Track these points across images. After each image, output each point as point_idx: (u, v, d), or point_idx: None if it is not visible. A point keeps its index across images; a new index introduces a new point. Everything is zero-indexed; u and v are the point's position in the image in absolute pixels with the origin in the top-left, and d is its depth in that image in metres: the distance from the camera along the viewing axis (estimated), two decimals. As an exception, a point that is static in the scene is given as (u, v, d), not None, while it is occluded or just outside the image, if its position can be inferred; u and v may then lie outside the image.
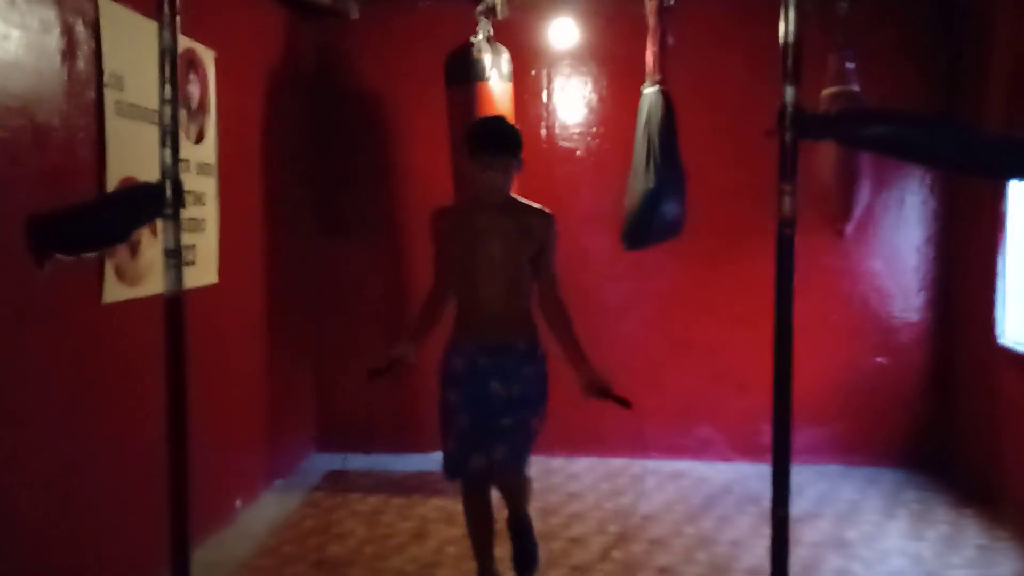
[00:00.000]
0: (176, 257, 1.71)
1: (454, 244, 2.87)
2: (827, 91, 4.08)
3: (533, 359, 2.91)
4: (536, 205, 2.90)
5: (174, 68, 1.74)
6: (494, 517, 3.07)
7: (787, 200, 1.70)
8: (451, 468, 2.95)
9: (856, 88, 4.07)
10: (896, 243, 4.87)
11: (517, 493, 3.01)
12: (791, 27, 1.64)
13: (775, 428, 1.73)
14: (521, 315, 2.90)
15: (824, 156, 4.11)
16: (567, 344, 2.85)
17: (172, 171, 1.71)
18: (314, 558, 3.55)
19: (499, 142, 2.78)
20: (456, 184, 4.18)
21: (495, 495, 3.04)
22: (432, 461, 4.87)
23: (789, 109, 1.67)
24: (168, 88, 1.72)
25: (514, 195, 2.91)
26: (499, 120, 2.95)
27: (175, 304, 1.72)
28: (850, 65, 4.10)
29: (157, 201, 1.69)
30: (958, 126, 1.77)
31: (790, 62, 1.69)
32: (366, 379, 2.72)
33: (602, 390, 2.75)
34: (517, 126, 2.90)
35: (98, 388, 2.87)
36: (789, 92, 1.68)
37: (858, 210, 4.24)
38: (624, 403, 2.73)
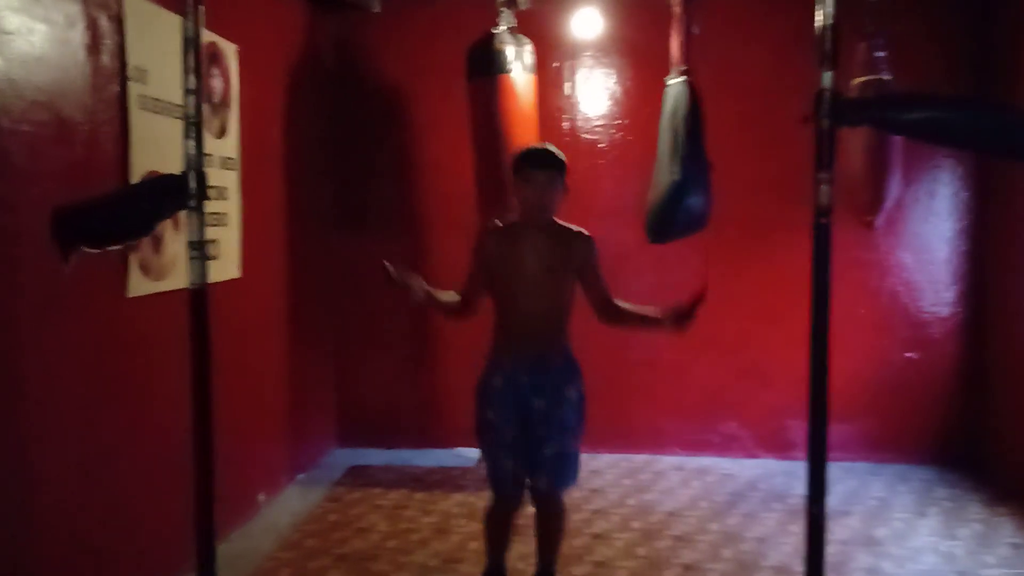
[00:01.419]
0: (200, 249, 1.69)
1: (496, 262, 2.89)
2: (857, 80, 4.01)
3: (572, 377, 2.93)
4: (576, 228, 2.93)
5: (198, 58, 1.72)
6: (514, 527, 3.06)
7: (824, 189, 1.65)
8: (497, 481, 2.94)
9: (887, 76, 3.99)
10: (927, 235, 4.78)
11: (554, 523, 3.01)
12: (829, 10, 1.59)
13: (811, 423, 1.68)
14: (559, 334, 2.92)
15: (854, 147, 4.04)
16: (642, 323, 2.92)
17: (196, 162, 1.69)
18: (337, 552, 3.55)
19: (543, 158, 2.84)
20: (477, 178, 4.15)
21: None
22: (454, 456, 4.87)
23: (826, 94, 1.62)
24: (192, 78, 1.70)
25: (556, 219, 2.92)
26: (544, 145, 2.99)
27: (199, 296, 1.70)
28: (880, 53, 4.01)
29: (181, 193, 1.68)
30: (999, 109, 1.70)
31: (827, 46, 1.64)
32: (382, 271, 2.79)
33: (683, 315, 2.83)
34: (558, 150, 2.92)
35: (123, 381, 2.87)
36: (826, 77, 1.63)
37: (888, 202, 4.16)
38: (702, 298, 2.81)
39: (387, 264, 2.79)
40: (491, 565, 3.09)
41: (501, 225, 2.96)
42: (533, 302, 2.86)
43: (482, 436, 2.94)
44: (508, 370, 2.88)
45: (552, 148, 2.90)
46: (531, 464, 2.88)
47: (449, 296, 2.96)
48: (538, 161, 2.83)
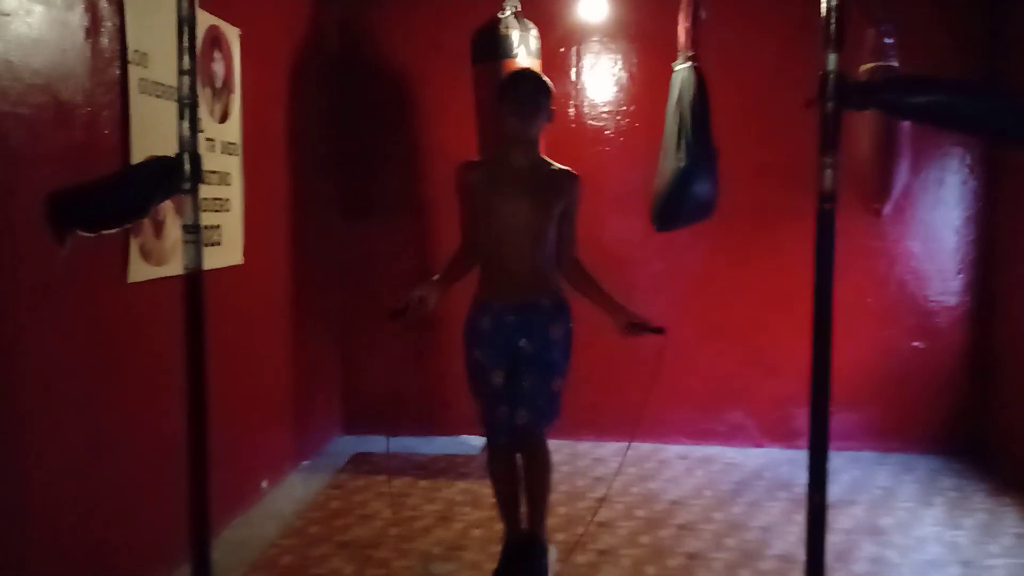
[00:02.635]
0: (195, 232, 1.67)
1: (480, 198, 2.85)
2: (865, 67, 3.95)
3: (559, 317, 2.90)
4: (562, 166, 2.89)
5: (193, 38, 1.70)
6: (519, 479, 3.04)
7: (828, 174, 1.62)
8: (491, 428, 2.93)
9: (895, 63, 3.93)
10: (935, 224, 4.74)
11: (537, 462, 2.96)
12: (834, -10, 1.56)
13: (812, 412, 1.66)
14: (547, 273, 2.89)
15: (861, 133, 3.99)
16: (594, 296, 2.87)
17: (191, 144, 1.67)
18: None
19: (527, 84, 2.81)
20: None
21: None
22: (458, 444, 4.86)
23: (831, 77, 1.59)
24: (187, 59, 1.67)
25: (543, 155, 2.88)
26: (530, 69, 2.95)
27: (195, 280, 1.68)
28: (889, 40, 3.96)
29: (176, 175, 1.65)
30: (1008, 94, 1.67)
31: (832, 28, 1.60)
32: (388, 319, 2.66)
33: (637, 326, 2.75)
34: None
35: (123, 368, 2.86)
36: (831, 59, 1.60)
37: (896, 190, 4.11)
38: (659, 331, 2.73)
39: (393, 311, 2.66)
40: (510, 536, 3.07)
41: (481, 159, 2.93)
42: (518, 239, 2.81)
43: (472, 379, 2.92)
44: (495, 310, 2.85)
45: (535, 72, 2.89)
46: (514, 402, 2.84)
47: (452, 264, 2.90)
48: (521, 77, 2.82)
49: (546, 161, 2.90)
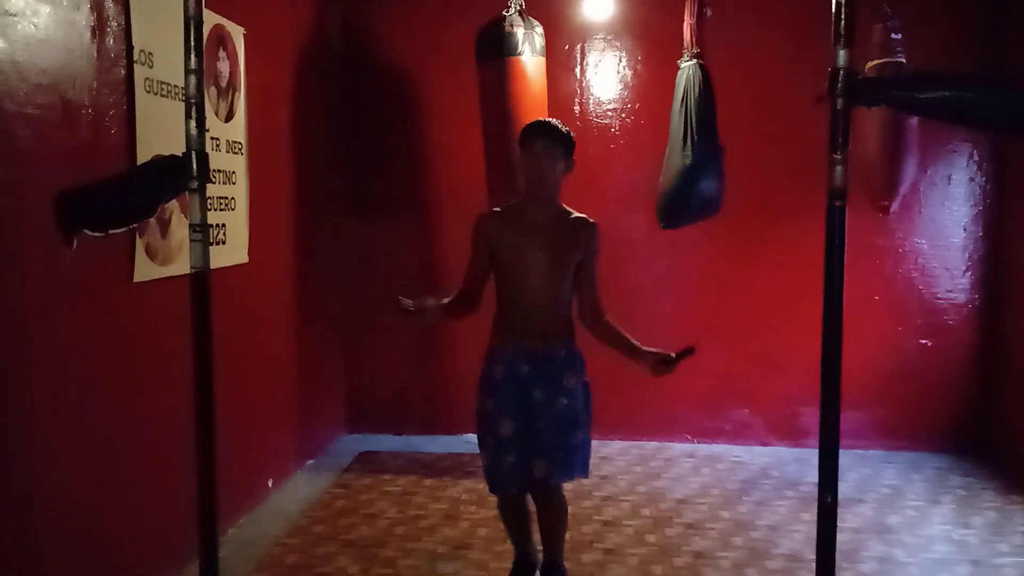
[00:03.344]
0: (202, 231, 1.67)
1: (497, 249, 2.80)
2: (872, 63, 3.94)
3: (574, 367, 2.84)
4: (580, 215, 2.84)
5: (199, 37, 1.70)
6: (529, 512, 3.02)
7: (838, 170, 1.60)
8: (495, 479, 2.86)
9: (903, 59, 3.92)
10: (943, 221, 4.72)
11: (552, 515, 2.92)
12: (844, -14, 1.55)
13: (823, 411, 1.64)
14: (562, 322, 2.83)
15: (869, 131, 3.98)
16: (621, 346, 2.79)
17: (197, 143, 1.67)
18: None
19: (546, 131, 2.76)
20: (487, 163, 4.11)
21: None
22: (463, 443, 4.85)
23: (841, 73, 1.57)
24: (193, 58, 1.67)
25: (562, 204, 2.84)
26: (548, 122, 2.88)
27: (201, 280, 1.68)
28: (896, 35, 3.94)
29: (182, 174, 1.65)
30: (1016, 88, 1.65)
31: (842, 24, 1.59)
32: (392, 303, 2.61)
33: (668, 362, 2.67)
34: (564, 125, 2.84)
35: (129, 367, 2.86)
36: (841, 55, 1.58)
37: (904, 187, 4.10)
38: (690, 352, 2.65)
39: (400, 299, 2.61)
40: (518, 555, 3.07)
41: (501, 208, 2.89)
42: (535, 287, 2.77)
43: (480, 428, 2.86)
44: (508, 359, 2.80)
45: (556, 121, 2.82)
46: (530, 453, 2.77)
47: (451, 306, 2.81)
48: (538, 131, 2.76)
49: (565, 210, 2.84)
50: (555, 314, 2.81)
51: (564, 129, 2.79)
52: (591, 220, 2.85)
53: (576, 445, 2.81)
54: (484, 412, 2.85)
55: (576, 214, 2.85)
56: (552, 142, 2.74)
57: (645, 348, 2.73)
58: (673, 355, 2.66)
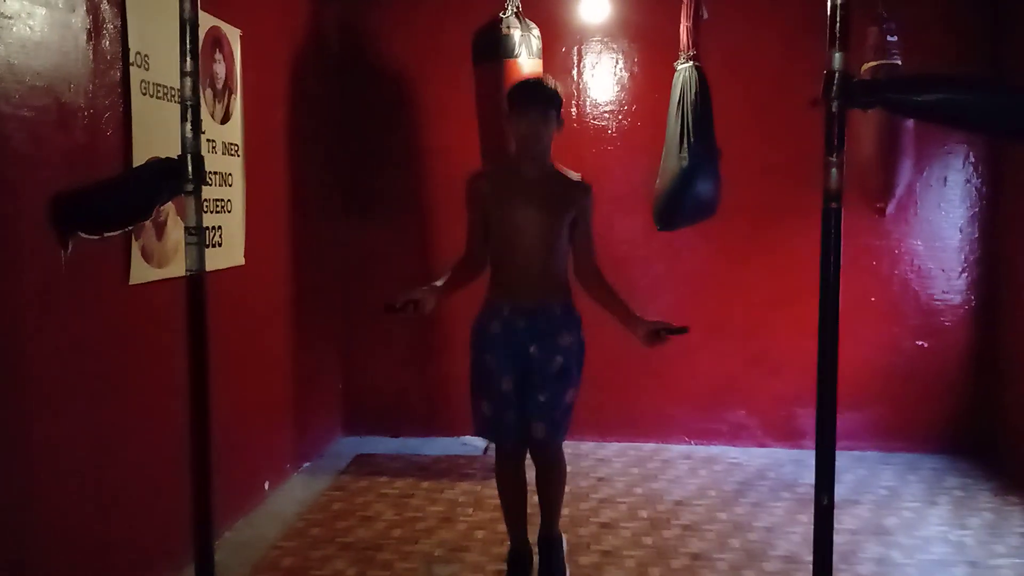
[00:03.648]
0: (198, 234, 1.66)
1: (491, 207, 2.83)
2: (868, 65, 3.95)
3: (570, 325, 2.87)
4: (574, 174, 2.87)
5: (195, 39, 1.69)
6: (527, 487, 3.05)
7: (833, 173, 1.60)
8: (490, 429, 2.91)
9: (898, 61, 3.93)
10: (939, 222, 4.73)
11: (552, 475, 2.97)
12: (839, -12, 1.55)
13: (819, 413, 1.65)
14: (557, 279, 2.87)
15: (865, 132, 3.99)
16: (613, 307, 2.84)
17: (193, 145, 1.66)
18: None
19: (536, 93, 2.77)
20: (484, 164, 4.11)
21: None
22: (460, 445, 4.85)
23: (837, 75, 1.57)
24: (188, 60, 1.67)
25: (554, 163, 2.86)
26: (536, 76, 2.94)
27: (197, 282, 1.67)
28: (892, 38, 3.95)
29: (178, 176, 1.65)
30: (1012, 91, 1.65)
31: (837, 26, 1.59)
32: (382, 309, 2.62)
33: (659, 332, 2.70)
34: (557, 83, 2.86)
35: (125, 370, 2.86)
36: (836, 58, 1.58)
37: (900, 188, 4.11)
38: (682, 330, 2.67)
39: (387, 304, 2.61)
40: (514, 544, 3.08)
41: (492, 167, 2.91)
42: (529, 246, 2.80)
43: (478, 382, 2.89)
44: (505, 315, 2.83)
45: (546, 81, 2.83)
46: (528, 412, 2.82)
47: (453, 273, 2.86)
48: (530, 97, 2.77)
49: (557, 170, 2.87)
50: (550, 271, 2.84)
51: (555, 88, 2.80)
52: (585, 182, 2.88)
53: (569, 403, 2.87)
54: (482, 367, 2.88)
55: (570, 174, 2.87)
56: (545, 108, 2.76)
57: (636, 318, 2.76)
58: (670, 326, 2.68)
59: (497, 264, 2.90)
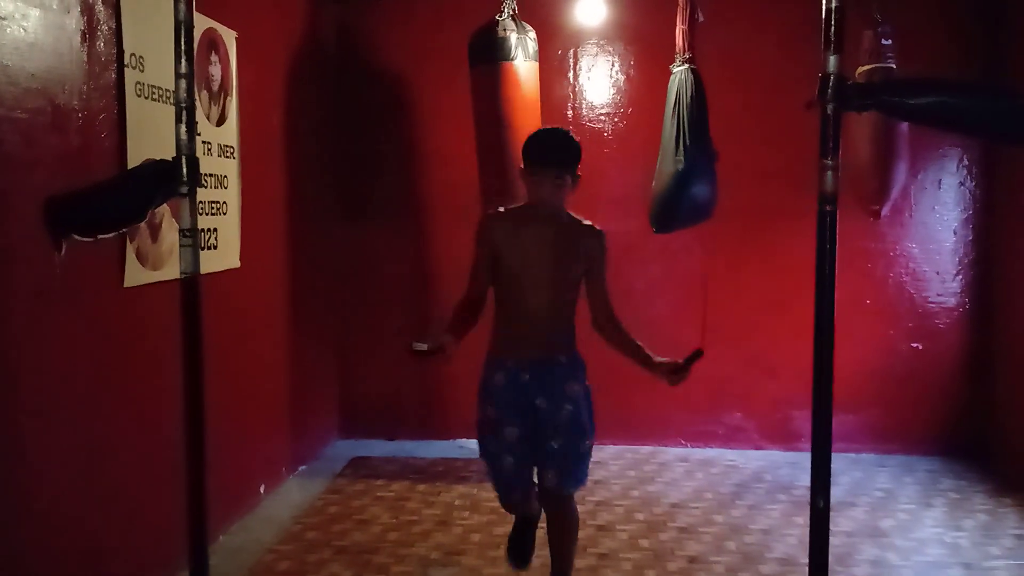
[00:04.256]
0: (192, 236, 1.66)
1: (501, 252, 2.74)
2: (863, 68, 3.96)
3: (575, 375, 2.80)
4: (587, 222, 2.78)
5: (190, 41, 1.69)
6: (535, 539, 3.02)
7: (829, 176, 1.61)
8: (500, 486, 2.84)
9: (893, 65, 3.94)
10: (933, 225, 4.74)
11: (563, 525, 2.88)
12: (834, -8, 1.55)
13: (815, 415, 1.65)
14: (565, 331, 2.79)
15: (860, 135, 4.00)
16: (633, 354, 2.74)
17: (188, 147, 1.66)
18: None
19: (549, 154, 2.66)
20: (480, 167, 4.11)
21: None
22: (457, 448, 4.84)
23: (832, 79, 1.58)
24: (184, 62, 1.66)
25: (568, 211, 2.77)
26: (557, 131, 2.79)
27: (191, 285, 1.67)
28: (887, 42, 3.96)
29: (173, 179, 1.64)
30: (1007, 94, 1.66)
31: (832, 30, 1.59)
32: (411, 356, 2.53)
33: (681, 369, 2.65)
34: (577, 138, 2.73)
35: (120, 372, 2.85)
36: (832, 61, 1.59)
37: (895, 191, 4.12)
38: (698, 355, 2.65)
39: (414, 344, 2.51)
40: (517, 521, 3.04)
41: (506, 210, 2.83)
42: (538, 294, 2.71)
43: (483, 436, 2.81)
44: (510, 366, 2.75)
45: (566, 137, 2.71)
46: (538, 462, 2.75)
47: (458, 315, 2.74)
48: (548, 159, 2.65)
49: (571, 216, 2.77)
50: (557, 322, 2.76)
51: (574, 146, 2.68)
52: (597, 227, 2.78)
53: (584, 452, 2.78)
54: (486, 419, 2.80)
55: (583, 221, 2.78)
56: (564, 170, 2.65)
57: (657, 359, 2.68)
58: (682, 362, 2.65)
59: (502, 312, 2.80)
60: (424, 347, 2.49)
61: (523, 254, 2.72)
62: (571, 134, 2.76)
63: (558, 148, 2.68)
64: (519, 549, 3.02)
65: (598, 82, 4.90)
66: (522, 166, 2.71)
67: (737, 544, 3.58)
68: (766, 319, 4.80)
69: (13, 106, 2.32)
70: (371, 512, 3.91)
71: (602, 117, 4.91)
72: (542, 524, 2.97)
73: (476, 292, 2.78)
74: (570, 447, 2.74)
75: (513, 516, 3.00)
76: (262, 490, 4.03)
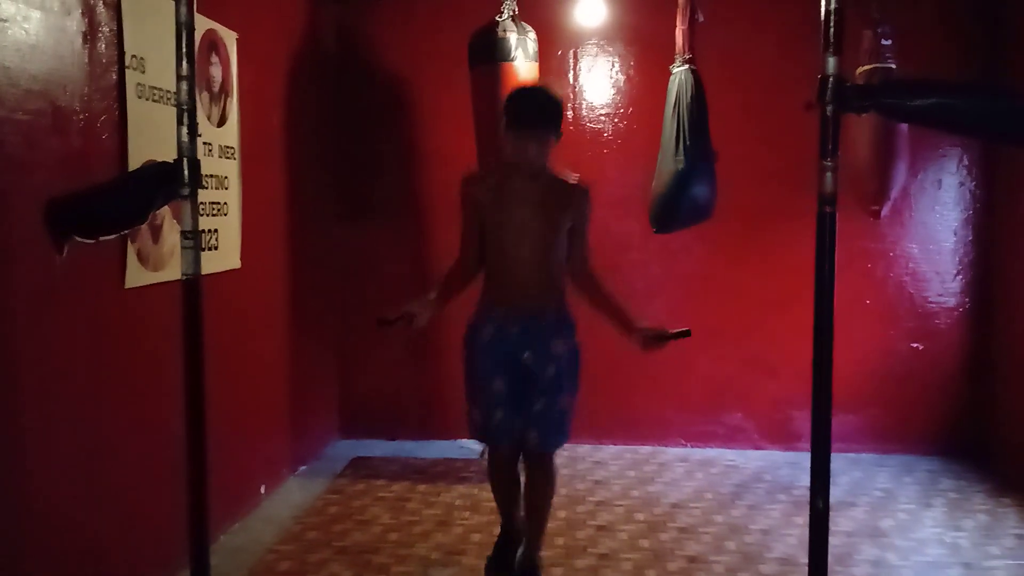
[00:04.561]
0: (193, 238, 1.66)
1: (486, 211, 2.78)
2: (862, 69, 3.96)
3: (563, 332, 2.84)
4: (572, 178, 2.82)
5: (191, 43, 1.69)
6: (519, 485, 3.03)
7: (828, 176, 1.61)
8: (481, 432, 2.90)
9: (893, 65, 3.94)
10: (933, 225, 4.75)
11: (540, 483, 2.94)
12: (834, -7, 1.56)
13: (814, 414, 1.65)
14: (553, 285, 2.83)
15: (859, 135, 4.00)
16: (611, 311, 2.78)
17: (189, 149, 1.66)
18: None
19: (535, 114, 2.69)
20: (480, 168, 4.11)
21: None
22: (457, 448, 4.85)
23: (831, 80, 1.58)
24: (185, 64, 1.67)
25: (550, 168, 2.81)
26: (537, 91, 2.83)
27: (192, 287, 1.68)
28: (886, 42, 3.97)
29: (174, 180, 1.65)
30: (1007, 95, 1.66)
31: (832, 31, 1.60)
32: (375, 324, 2.59)
33: (659, 337, 2.66)
34: (557, 95, 2.78)
35: (121, 374, 2.85)
36: (831, 62, 1.59)
37: (894, 191, 4.12)
38: (685, 334, 2.63)
39: (380, 318, 2.59)
40: (503, 529, 3.08)
41: (487, 170, 2.86)
42: (525, 251, 2.75)
43: (470, 386, 2.86)
44: (498, 320, 2.80)
45: (546, 95, 2.73)
46: (522, 419, 2.80)
47: (447, 280, 2.83)
48: (530, 117, 2.67)
49: (554, 173, 2.81)
50: (545, 278, 2.79)
51: (555, 103, 2.71)
52: (583, 184, 2.81)
53: (564, 409, 2.83)
54: (474, 371, 2.85)
55: (567, 178, 2.81)
56: (545, 128, 2.69)
57: (637, 323, 2.70)
58: (665, 331, 2.64)
59: (491, 269, 2.85)
60: (390, 318, 2.53)
61: (509, 211, 2.75)
62: (551, 91, 2.78)
63: (542, 108, 2.70)
64: (498, 565, 3.05)
65: (598, 82, 4.91)
66: (506, 127, 2.72)
67: (737, 544, 3.58)
68: (766, 319, 4.80)
69: (14, 108, 2.33)
70: (372, 512, 3.92)
71: (602, 117, 4.91)
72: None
73: (467, 256, 2.82)
74: (551, 407, 2.79)
75: (489, 463, 3.01)
76: (263, 490, 4.04)
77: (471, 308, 3.00)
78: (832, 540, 1.72)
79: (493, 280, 2.86)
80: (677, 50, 3.96)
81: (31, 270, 2.39)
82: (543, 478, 2.94)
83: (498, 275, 2.84)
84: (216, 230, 3.51)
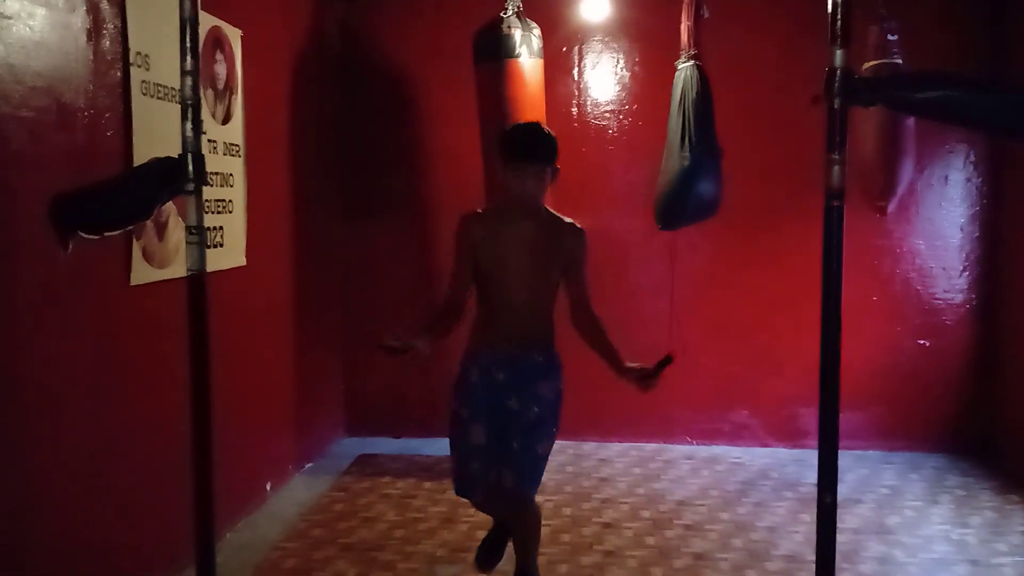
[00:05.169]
0: (198, 233, 1.66)
1: (481, 251, 2.74)
2: (868, 64, 3.94)
3: (550, 374, 2.79)
4: (568, 219, 2.78)
5: (195, 38, 1.69)
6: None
7: (836, 170, 1.60)
8: (461, 483, 2.84)
9: (899, 60, 3.92)
10: (940, 221, 4.73)
11: (524, 524, 2.90)
12: (841, -14, 1.55)
13: (821, 411, 1.64)
14: (543, 329, 2.79)
15: (866, 131, 3.98)
16: (607, 356, 2.72)
17: (194, 145, 1.66)
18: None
19: (532, 150, 2.66)
20: (485, 165, 4.11)
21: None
22: (463, 445, 4.84)
23: (838, 73, 1.57)
24: (189, 59, 1.66)
25: (547, 207, 2.77)
26: (534, 126, 2.80)
27: (198, 282, 1.67)
28: (892, 37, 3.95)
29: (178, 176, 1.64)
30: (1013, 88, 1.65)
31: (838, 24, 1.59)
32: (376, 347, 2.55)
33: (650, 376, 2.63)
34: (552, 132, 2.74)
35: (126, 370, 2.86)
36: (838, 55, 1.58)
37: (901, 188, 4.10)
38: (668, 361, 2.60)
39: (384, 342, 2.49)
40: (496, 522, 3.06)
41: (485, 209, 2.82)
42: (517, 292, 2.71)
43: (452, 432, 2.82)
44: (485, 364, 2.75)
45: (542, 131, 2.71)
46: (500, 462, 2.73)
47: (438, 317, 2.74)
48: (526, 154, 2.65)
49: (551, 214, 2.77)
50: (535, 321, 2.76)
51: (551, 142, 2.68)
52: (578, 225, 2.78)
53: (542, 454, 2.77)
54: (456, 417, 2.81)
55: (563, 219, 2.78)
56: (542, 167, 2.66)
57: (627, 364, 2.65)
58: (651, 368, 2.61)
59: (482, 309, 2.81)
60: (395, 344, 2.48)
61: (503, 252, 2.71)
62: (545, 127, 2.77)
63: (538, 144, 2.68)
64: (487, 553, 3.04)
65: (603, 79, 4.89)
66: (502, 162, 2.69)
67: (743, 541, 3.57)
68: (772, 316, 4.79)
69: (19, 104, 2.33)
70: (377, 509, 3.92)
71: (607, 114, 4.90)
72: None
73: (456, 294, 2.76)
74: (529, 448, 2.73)
75: (467, 501, 2.97)
76: (268, 488, 4.04)
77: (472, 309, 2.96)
78: (839, 537, 1.71)
79: (483, 320, 2.81)
80: (682, 46, 3.95)
81: (36, 266, 2.40)
82: (524, 522, 2.90)
83: (488, 315, 2.79)
84: (221, 227, 3.51)
